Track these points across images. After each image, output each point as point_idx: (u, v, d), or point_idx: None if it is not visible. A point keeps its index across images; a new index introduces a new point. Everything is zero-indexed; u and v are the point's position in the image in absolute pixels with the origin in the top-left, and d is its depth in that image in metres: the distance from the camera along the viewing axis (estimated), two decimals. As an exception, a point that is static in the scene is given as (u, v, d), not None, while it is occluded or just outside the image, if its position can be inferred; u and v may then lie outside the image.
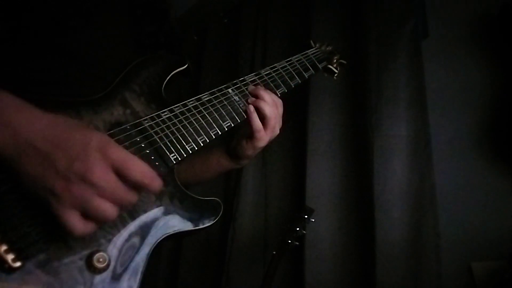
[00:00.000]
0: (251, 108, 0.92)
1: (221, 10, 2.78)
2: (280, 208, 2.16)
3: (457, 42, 1.98)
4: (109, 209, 0.59)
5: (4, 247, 0.56)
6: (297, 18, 2.39)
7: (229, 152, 1.02)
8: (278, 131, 0.95)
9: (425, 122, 1.85)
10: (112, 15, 0.90)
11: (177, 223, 0.76)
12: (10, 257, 0.56)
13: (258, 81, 1.00)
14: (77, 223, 0.57)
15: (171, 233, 0.75)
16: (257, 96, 0.94)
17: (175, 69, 0.90)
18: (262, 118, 0.92)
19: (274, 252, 1.68)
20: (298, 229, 1.70)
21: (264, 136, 0.93)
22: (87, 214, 0.58)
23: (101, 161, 0.58)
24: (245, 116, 0.93)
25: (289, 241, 1.68)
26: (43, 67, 0.78)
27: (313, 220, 1.76)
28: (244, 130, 0.97)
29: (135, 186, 0.61)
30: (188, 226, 0.77)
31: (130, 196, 0.61)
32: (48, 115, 0.61)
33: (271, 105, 0.93)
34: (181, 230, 0.76)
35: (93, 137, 0.59)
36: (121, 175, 0.59)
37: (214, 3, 2.79)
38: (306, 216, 1.74)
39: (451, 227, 1.76)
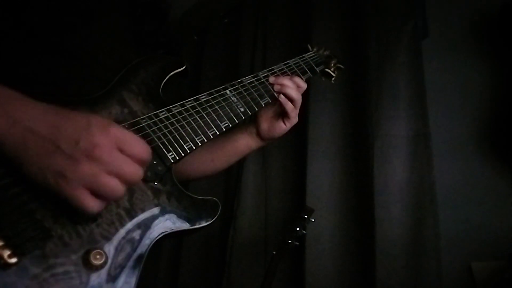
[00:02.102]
0: (282, 96, 1.04)
1: (221, 10, 2.78)
2: (280, 208, 2.16)
3: (457, 42, 1.98)
4: (117, 186, 0.60)
5: (0, 243, 0.57)
6: (297, 19, 2.39)
7: (261, 135, 1.11)
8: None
9: (425, 122, 1.85)
10: (111, 14, 0.90)
11: (174, 222, 0.76)
12: (6, 253, 0.56)
13: (256, 83, 1.01)
14: (88, 201, 0.58)
15: (168, 232, 0.75)
16: (280, 84, 1.05)
17: (173, 70, 0.90)
18: (291, 101, 1.05)
19: (274, 252, 1.68)
20: (298, 229, 1.70)
21: (296, 114, 1.08)
22: (96, 192, 0.59)
23: (105, 139, 0.59)
24: (244, 117, 0.95)
25: (289, 241, 1.68)
26: (40, 66, 0.78)
27: (313, 220, 1.76)
28: (270, 114, 1.09)
29: (138, 162, 0.63)
30: (185, 225, 0.77)
31: (137, 171, 0.62)
32: (42, 103, 0.61)
33: (294, 88, 1.06)
34: (178, 229, 0.76)
35: (92, 118, 0.61)
36: (124, 152, 0.61)
37: (214, 3, 2.79)
38: (306, 216, 1.73)
39: (451, 227, 1.76)
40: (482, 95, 1.87)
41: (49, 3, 0.79)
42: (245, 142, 1.12)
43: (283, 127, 1.09)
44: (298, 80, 1.08)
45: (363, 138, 1.94)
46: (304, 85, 1.09)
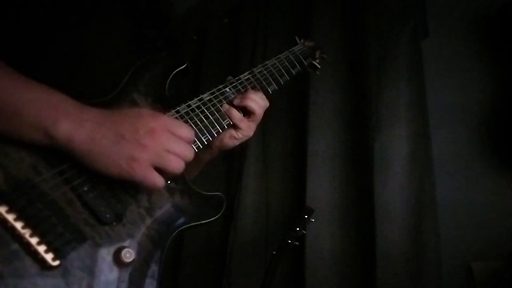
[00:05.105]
0: (225, 105, 0.96)
1: (221, 10, 2.78)
2: (280, 208, 2.16)
3: (457, 42, 1.98)
4: (179, 162, 0.71)
5: (44, 247, 0.61)
6: (297, 18, 2.39)
7: (214, 147, 1.03)
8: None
9: (425, 122, 1.85)
10: (111, 14, 0.90)
11: (188, 218, 0.82)
12: (49, 256, 0.62)
13: (252, 80, 1.03)
14: (158, 178, 0.69)
15: (182, 227, 0.81)
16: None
17: (175, 69, 0.93)
18: (251, 112, 0.98)
19: (274, 252, 1.68)
20: (298, 229, 1.71)
21: (247, 126, 0.99)
22: (162, 168, 0.69)
23: (158, 124, 0.70)
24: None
25: (289, 241, 1.68)
26: (39, 66, 0.78)
27: (313, 220, 1.76)
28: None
29: (187, 142, 0.74)
30: (196, 220, 0.84)
31: (190, 149, 0.74)
32: (99, 109, 0.71)
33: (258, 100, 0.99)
34: (191, 224, 0.83)
35: (141, 110, 0.75)
36: (174, 134, 0.72)
37: (214, 3, 2.79)
38: (306, 216, 1.74)
39: (451, 227, 1.76)
40: (482, 95, 1.87)
41: (44, 2, 0.79)
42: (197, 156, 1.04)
43: (236, 139, 1.00)
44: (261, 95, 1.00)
45: (363, 138, 1.94)
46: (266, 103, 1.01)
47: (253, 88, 1.02)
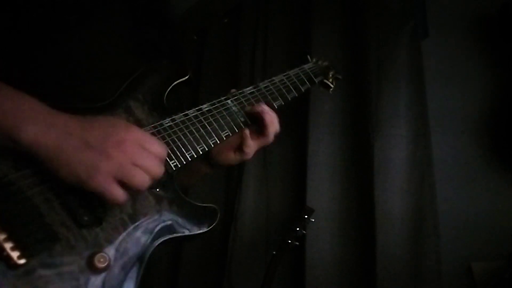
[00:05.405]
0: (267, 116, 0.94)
1: (221, 10, 2.78)
2: (281, 209, 2.16)
3: (457, 42, 1.98)
4: (143, 177, 0.66)
5: (10, 245, 0.59)
6: (297, 18, 2.39)
7: (211, 161, 1.02)
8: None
9: (425, 122, 1.85)
10: (111, 14, 0.89)
11: (175, 228, 0.79)
12: (15, 254, 0.59)
13: (257, 94, 1.01)
14: (118, 191, 0.64)
15: (168, 237, 0.77)
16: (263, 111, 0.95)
17: (177, 80, 0.91)
18: (267, 126, 0.96)
19: (274, 252, 1.69)
20: (298, 229, 1.71)
21: (251, 150, 0.97)
22: (124, 182, 0.65)
23: (129, 136, 0.67)
24: (243, 127, 0.95)
25: (289, 241, 1.68)
26: (38, 66, 0.78)
27: (313, 220, 1.76)
28: (230, 142, 0.98)
29: (157, 158, 0.70)
30: (185, 231, 0.80)
31: (159, 165, 0.69)
32: (70, 114, 0.67)
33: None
34: (178, 235, 0.79)
35: (116, 120, 0.71)
36: (145, 149, 0.67)
37: (214, 3, 2.79)
38: (306, 216, 1.74)
39: (451, 227, 1.76)
40: (482, 95, 1.87)
41: (44, 2, 0.79)
42: (197, 167, 1.03)
43: (233, 160, 0.99)
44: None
45: (363, 138, 1.94)
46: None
47: (258, 102, 0.98)
